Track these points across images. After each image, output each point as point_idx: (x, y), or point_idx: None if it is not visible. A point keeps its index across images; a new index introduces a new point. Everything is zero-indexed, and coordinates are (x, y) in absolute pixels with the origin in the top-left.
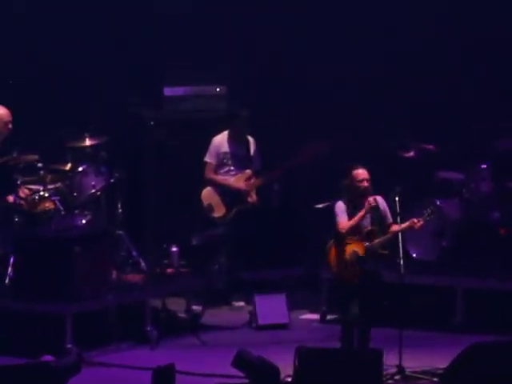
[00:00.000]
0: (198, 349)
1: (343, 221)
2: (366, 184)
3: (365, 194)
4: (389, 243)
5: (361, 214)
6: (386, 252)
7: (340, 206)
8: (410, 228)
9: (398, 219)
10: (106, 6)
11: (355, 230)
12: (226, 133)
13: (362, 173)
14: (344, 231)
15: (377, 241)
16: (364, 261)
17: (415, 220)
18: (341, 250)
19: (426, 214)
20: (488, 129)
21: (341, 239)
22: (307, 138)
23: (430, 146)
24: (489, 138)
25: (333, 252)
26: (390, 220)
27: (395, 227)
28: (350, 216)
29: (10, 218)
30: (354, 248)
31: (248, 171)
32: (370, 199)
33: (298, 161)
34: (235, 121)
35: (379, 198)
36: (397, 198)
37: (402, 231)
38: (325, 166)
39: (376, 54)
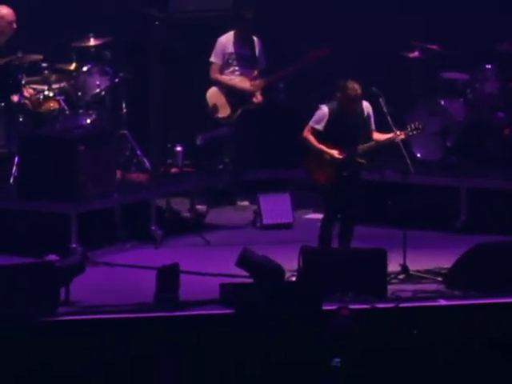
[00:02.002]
0: (202, 248)
1: (310, 129)
2: (354, 106)
3: (353, 112)
4: (369, 152)
5: (327, 152)
6: (364, 161)
7: (320, 114)
8: (391, 140)
9: (389, 119)
10: None
11: (336, 136)
12: (231, 33)
13: (353, 86)
14: (303, 139)
15: (358, 147)
16: (342, 167)
17: (398, 132)
18: (317, 154)
19: (409, 129)
20: (493, 30)
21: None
22: (312, 38)
23: (434, 46)
24: (493, 39)
25: (312, 154)
26: (373, 127)
27: (377, 135)
28: (332, 123)
29: (15, 118)
30: (335, 153)
31: (253, 71)
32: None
33: (302, 63)
34: (240, 21)
35: (365, 103)
36: (380, 100)
37: (383, 143)
38: (329, 67)
39: None
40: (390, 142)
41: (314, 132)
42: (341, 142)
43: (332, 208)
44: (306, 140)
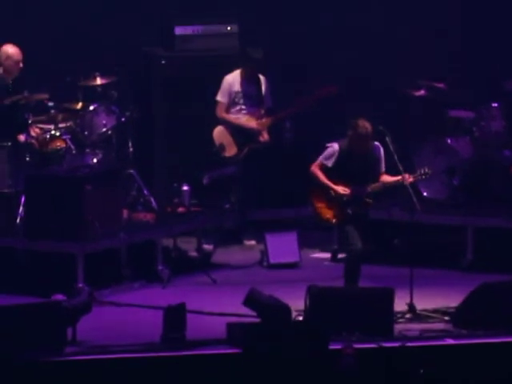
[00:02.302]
0: (209, 288)
1: (322, 162)
2: (364, 144)
3: (363, 151)
4: (376, 192)
5: (333, 188)
6: (371, 201)
7: (330, 151)
8: (399, 183)
9: (396, 158)
10: None
11: (346, 174)
12: (237, 72)
13: (364, 124)
14: (310, 173)
15: (366, 187)
16: (347, 204)
17: (407, 176)
18: (325, 188)
19: (419, 173)
20: (499, 68)
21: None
22: (319, 77)
23: (441, 85)
24: (499, 76)
25: (317, 189)
26: (383, 169)
27: (385, 177)
28: (341, 161)
29: (22, 158)
30: (340, 190)
31: (260, 110)
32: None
33: (308, 101)
34: (248, 61)
35: (376, 145)
36: (387, 139)
37: (391, 185)
38: (336, 106)
39: None
40: (398, 185)
41: (323, 168)
42: (349, 181)
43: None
44: (313, 174)
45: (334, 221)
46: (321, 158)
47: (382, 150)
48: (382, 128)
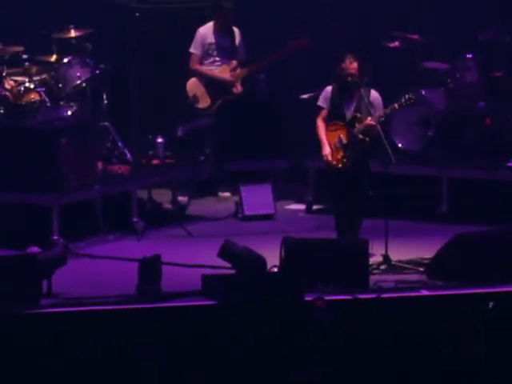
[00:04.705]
0: (183, 240)
1: (319, 112)
2: (352, 79)
3: (352, 86)
4: (371, 131)
5: (323, 147)
6: (367, 139)
7: (323, 93)
8: (386, 113)
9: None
10: None
11: (339, 116)
12: (211, 23)
13: (348, 66)
14: (315, 125)
15: (358, 126)
16: (347, 145)
17: (394, 105)
18: (329, 135)
19: (404, 100)
20: (473, 18)
21: (330, 124)
22: (293, 28)
23: (415, 36)
24: (474, 28)
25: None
26: (382, 114)
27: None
28: (336, 103)
29: None
30: (339, 133)
31: (233, 62)
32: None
33: (282, 53)
34: (220, 12)
35: (374, 93)
36: (361, 90)
37: (380, 116)
38: (311, 57)
39: None
40: (385, 115)
41: (325, 114)
42: (344, 124)
43: (342, 194)
44: (316, 127)
45: (339, 166)
46: (318, 102)
47: (380, 100)
48: (355, 79)
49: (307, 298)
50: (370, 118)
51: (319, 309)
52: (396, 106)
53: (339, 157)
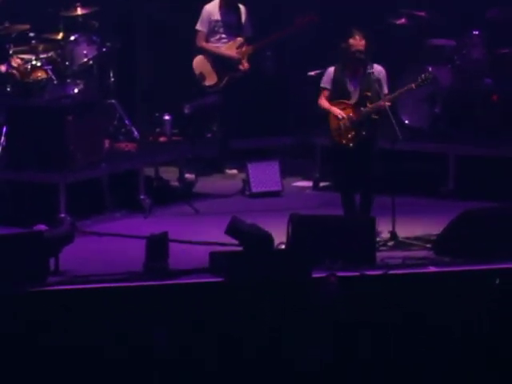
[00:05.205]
0: (191, 217)
1: (321, 92)
2: (360, 56)
3: (359, 64)
4: (380, 110)
5: (336, 112)
6: (377, 117)
7: (326, 73)
8: (401, 92)
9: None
10: None
11: (344, 94)
12: (217, 1)
13: (357, 43)
14: (318, 106)
15: (370, 106)
16: (359, 124)
17: (412, 85)
18: (333, 117)
19: (420, 80)
20: None
21: (338, 103)
22: (299, 5)
23: (422, 13)
24: (481, 5)
25: (331, 116)
26: (386, 91)
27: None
28: (340, 82)
29: (3, 88)
30: (349, 112)
31: (239, 39)
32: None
33: (289, 30)
34: None
35: (377, 67)
36: (368, 67)
37: (396, 96)
38: (318, 34)
39: None
40: (400, 95)
41: (326, 95)
42: (352, 103)
43: (349, 172)
44: (320, 106)
45: (350, 145)
46: (321, 83)
47: (384, 73)
48: (363, 56)
49: (315, 275)
50: (384, 99)
51: (332, 285)
52: (413, 86)
53: (350, 136)
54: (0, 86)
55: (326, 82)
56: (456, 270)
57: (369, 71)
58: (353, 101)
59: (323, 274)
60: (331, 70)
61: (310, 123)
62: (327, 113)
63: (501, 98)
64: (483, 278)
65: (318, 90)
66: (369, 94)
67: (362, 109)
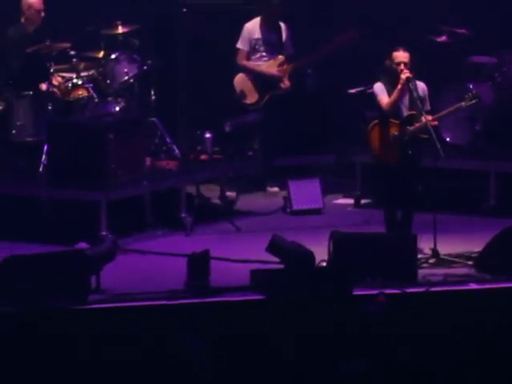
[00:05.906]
0: (232, 235)
1: (384, 97)
2: (403, 68)
3: (404, 77)
4: (428, 129)
5: (399, 87)
6: (427, 136)
7: (378, 86)
8: (450, 112)
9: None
10: None
11: (397, 112)
12: (257, 19)
13: (401, 55)
14: (388, 107)
15: (418, 125)
16: (406, 144)
17: (462, 104)
18: (383, 132)
19: (468, 99)
20: None
21: (384, 121)
22: (340, 24)
23: (463, 31)
24: None
25: (375, 133)
26: (429, 107)
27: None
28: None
29: (44, 106)
30: (396, 131)
31: (280, 57)
32: (405, 71)
33: (330, 48)
34: (268, 7)
35: (421, 84)
36: (410, 84)
37: (445, 114)
38: (358, 52)
39: None
40: (449, 113)
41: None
42: (400, 120)
43: (393, 190)
44: (387, 107)
45: (394, 163)
46: (379, 97)
47: (424, 86)
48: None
49: (356, 292)
50: (433, 118)
51: (381, 304)
52: (464, 104)
53: (394, 154)
54: (41, 104)
55: (382, 93)
56: (497, 287)
57: (412, 87)
58: (400, 119)
59: (364, 292)
60: (379, 84)
61: (350, 141)
62: (370, 129)
63: None
64: None
65: (361, 106)
66: (415, 112)
67: (409, 127)
